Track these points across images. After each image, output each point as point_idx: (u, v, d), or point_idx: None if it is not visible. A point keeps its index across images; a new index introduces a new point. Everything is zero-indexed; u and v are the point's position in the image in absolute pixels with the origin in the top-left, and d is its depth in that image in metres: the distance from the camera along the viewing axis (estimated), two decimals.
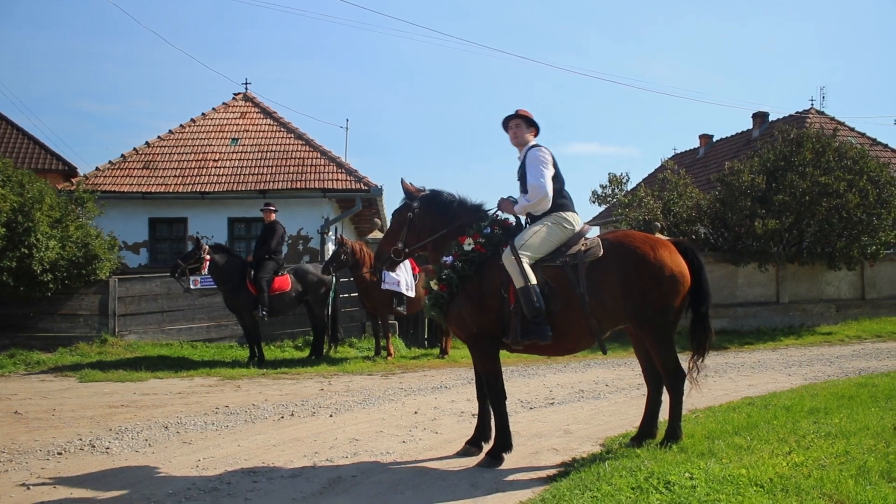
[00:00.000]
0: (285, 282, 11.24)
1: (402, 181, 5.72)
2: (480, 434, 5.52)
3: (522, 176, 5.38)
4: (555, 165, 5.37)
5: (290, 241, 15.23)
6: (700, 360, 5.37)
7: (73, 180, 16.70)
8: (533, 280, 5.00)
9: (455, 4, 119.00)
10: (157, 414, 7.20)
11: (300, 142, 17.12)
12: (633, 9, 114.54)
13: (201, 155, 16.56)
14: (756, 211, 14.54)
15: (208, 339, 12.63)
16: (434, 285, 5.38)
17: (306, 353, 11.94)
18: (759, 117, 25.79)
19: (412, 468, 5.13)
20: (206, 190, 15.31)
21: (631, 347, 5.77)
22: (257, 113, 18.36)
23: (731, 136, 27.57)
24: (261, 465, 5.20)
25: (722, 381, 9.17)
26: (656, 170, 25.97)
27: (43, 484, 4.78)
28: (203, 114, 18.18)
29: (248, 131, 17.53)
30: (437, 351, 12.31)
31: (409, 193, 5.67)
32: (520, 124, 5.57)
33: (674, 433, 5.17)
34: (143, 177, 15.72)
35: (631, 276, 5.08)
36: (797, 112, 24.22)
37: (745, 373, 9.95)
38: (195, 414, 7.17)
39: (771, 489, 4.01)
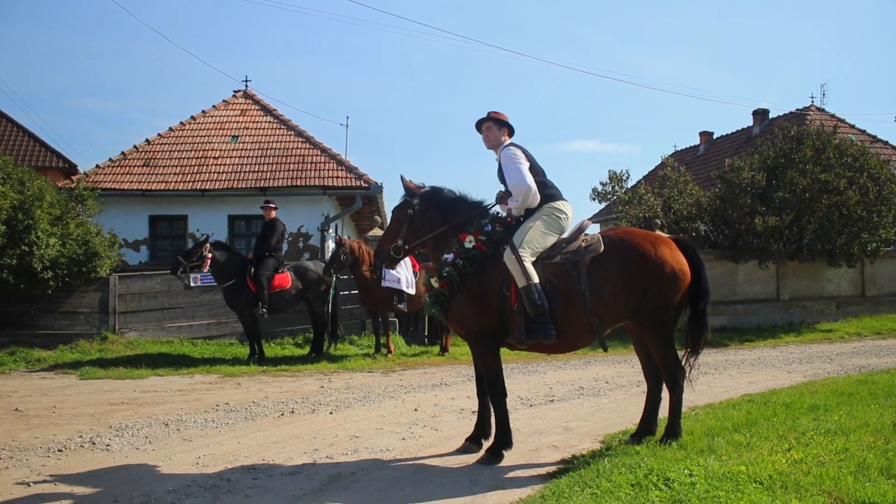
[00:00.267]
0: (285, 279, 11.25)
1: (402, 178, 5.72)
2: (480, 431, 5.52)
3: (503, 179, 5.42)
4: (529, 158, 5.38)
5: (290, 239, 15.24)
6: (693, 358, 5.38)
7: (74, 178, 16.71)
8: (535, 279, 5.00)
9: (455, 1, 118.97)
10: (158, 411, 7.21)
11: (300, 139, 17.12)
12: (634, 6, 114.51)
13: (201, 152, 16.56)
14: (756, 208, 14.54)
15: (209, 337, 12.64)
16: (435, 283, 5.38)
17: (306, 350, 11.95)
18: (760, 114, 25.78)
19: (412, 465, 5.14)
20: (207, 187, 15.32)
21: (631, 345, 5.78)
22: (257, 110, 18.36)
23: (732, 134, 27.57)
24: (261, 462, 5.21)
25: (722, 378, 9.18)
26: (657, 167, 25.94)
27: (43, 481, 4.79)
28: (203, 111, 18.19)
29: (248, 129, 17.53)
30: (437, 348, 12.32)
31: (409, 190, 5.67)
32: (490, 126, 5.56)
33: (673, 430, 5.18)
34: (144, 174, 15.73)
35: (632, 273, 5.08)
36: (797, 109, 24.22)
37: (744, 370, 9.96)
38: (195, 411, 7.18)
39: (770, 486, 4.02)
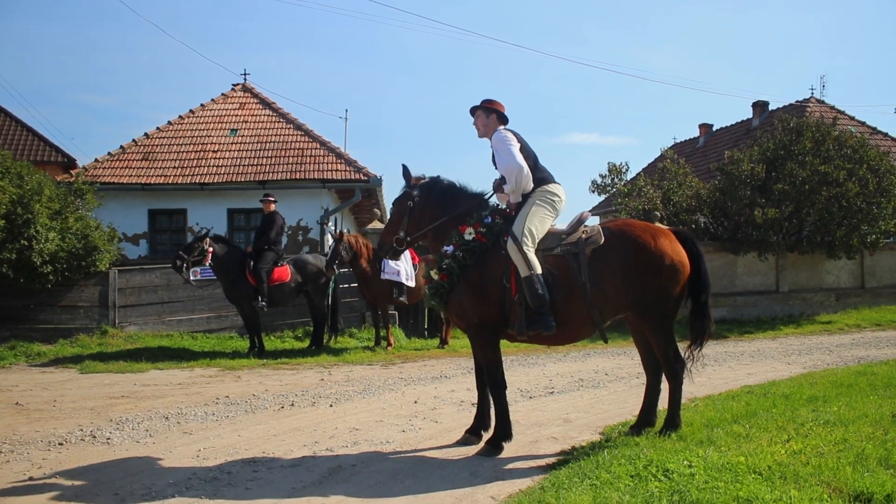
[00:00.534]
0: (285, 272, 11.25)
1: (404, 167, 5.69)
2: (480, 423, 5.53)
3: (497, 166, 5.40)
4: (520, 140, 5.37)
5: (289, 232, 15.23)
6: (697, 350, 5.38)
7: (73, 172, 16.70)
8: (538, 269, 5.00)
9: None
10: (158, 404, 7.22)
11: (299, 132, 17.09)
12: None
13: (200, 146, 16.54)
14: (756, 200, 14.54)
15: (208, 330, 12.65)
16: (434, 275, 5.37)
17: (306, 343, 11.96)
18: (759, 106, 25.73)
19: (412, 457, 5.15)
20: (206, 181, 15.30)
21: (630, 336, 5.78)
22: (256, 104, 18.32)
23: (731, 126, 27.53)
24: (261, 455, 5.22)
25: (721, 369, 9.19)
26: (656, 159, 25.92)
27: (44, 474, 4.80)
28: (202, 105, 18.15)
29: (247, 122, 17.50)
30: (436, 341, 12.33)
31: (410, 181, 5.66)
32: (480, 115, 5.56)
33: (673, 422, 5.19)
34: (143, 168, 15.71)
35: (632, 265, 5.08)
36: (797, 101, 24.17)
37: (744, 361, 9.98)
38: (195, 404, 7.19)
39: (769, 476, 4.03)
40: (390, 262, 10.70)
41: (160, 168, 15.73)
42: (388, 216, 5.94)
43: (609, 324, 5.28)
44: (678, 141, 30.27)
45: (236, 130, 17.11)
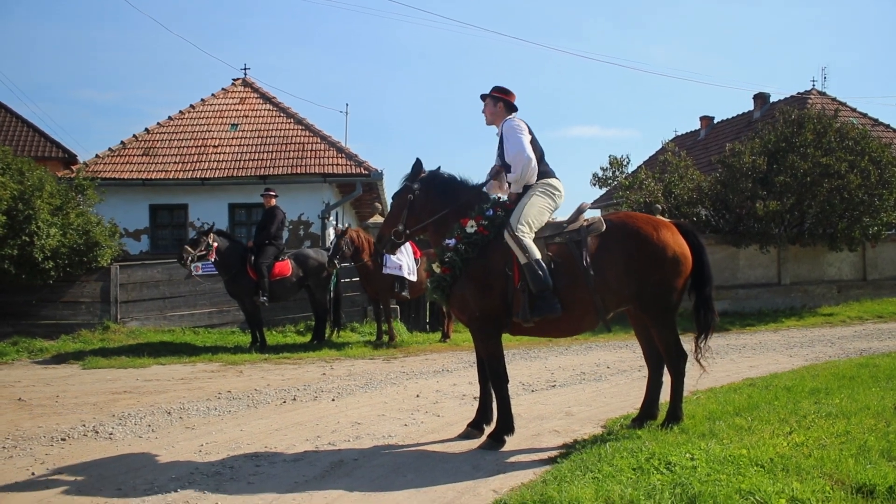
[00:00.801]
0: (286, 267, 11.25)
1: (418, 161, 5.64)
2: (482, 417, 5.53)
3: (501, 153, 5.38)
4: (531, 132, 5.36)
5: (290, 227, 15.23)
6: (704, 342, 5.37)
7: (73, 168, 16.69)
8: (537, 254, 4.99)
9: None
10: (160, 400, 7.23)
11: (300, 127, 17.07)
12: None
13: (201, 141, 16.52)
14: (757, 192, 14.51)
15: (210, 325, 12.66)
16: (437, 268, 5.36)
17: (308, 338, 11.97)
18: (761, 98, 25.66)
19: (414, 451, 5.15)
20: (207, 176, 15.30)
21: (632, 330, 5.78)
22: (257, 98, 18.29)
23: (732, 118, 27.46)
24: (263, 450, 5.22)
25: (723, 362, 9.18)
26: (657, 152, 25.83)
27: (47, 470, 4.81)
28: (202, 100, 18.12)
29: (247, 117, 17.47)
30: (438, 335, 12.33)
31: (411, 175, 5.63)
32: (489, 103, 5.56)
33: (675, 414, 5.19)
34: (143, 163, 15.70)
35: (633, 257, 5.08)
36: (798, 93, 24.08)
37: (746, 354, 9.97)
38: (198, 399, 7.20)
39: (771, 469, 4.03)
40: (392, 256, 10.70)
41: (161, 163, 15.72)
42: (388, 210, 5.93)
43: (612, 316, 5.28)
44: (679, 133, 30.24)
45: (237, 125, 17.09)
